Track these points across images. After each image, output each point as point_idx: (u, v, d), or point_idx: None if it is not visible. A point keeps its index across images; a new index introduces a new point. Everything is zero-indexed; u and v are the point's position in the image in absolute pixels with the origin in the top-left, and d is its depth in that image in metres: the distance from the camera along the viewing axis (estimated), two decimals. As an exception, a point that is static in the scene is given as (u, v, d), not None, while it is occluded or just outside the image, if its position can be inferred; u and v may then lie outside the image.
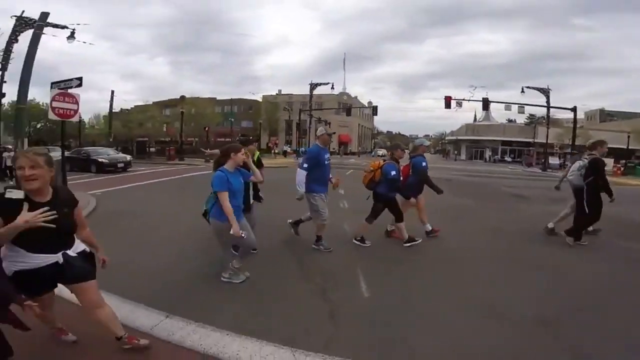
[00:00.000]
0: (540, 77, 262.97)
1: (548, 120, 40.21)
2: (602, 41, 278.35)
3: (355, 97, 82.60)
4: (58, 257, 2.43)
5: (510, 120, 67.20)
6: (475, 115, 79.17)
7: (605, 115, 65.74)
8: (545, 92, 35.22)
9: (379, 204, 6.07)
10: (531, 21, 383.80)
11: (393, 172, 5.88)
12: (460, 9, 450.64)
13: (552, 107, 35.87)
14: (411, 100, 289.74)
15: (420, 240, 6.18)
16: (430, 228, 6.70)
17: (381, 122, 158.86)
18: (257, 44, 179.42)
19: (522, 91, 35.47)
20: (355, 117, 71.94)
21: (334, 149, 60.99)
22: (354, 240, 6.17)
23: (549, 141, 39.11)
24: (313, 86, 41.83)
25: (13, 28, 17.30)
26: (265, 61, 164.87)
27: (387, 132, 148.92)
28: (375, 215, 6.11)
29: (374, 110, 45.14)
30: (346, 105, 57.38)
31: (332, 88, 40.16)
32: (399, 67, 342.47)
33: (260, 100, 72.56)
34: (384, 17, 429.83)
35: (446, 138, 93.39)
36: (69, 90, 10.37)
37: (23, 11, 17.10)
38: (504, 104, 37.76)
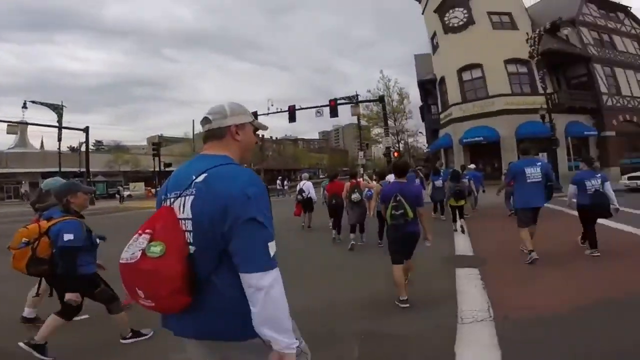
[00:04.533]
0: (130, 102, 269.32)
1: (87, 146, 29.73)
2: (183, 73, 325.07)
3: None
4: None
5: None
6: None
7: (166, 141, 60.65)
8: (57, 108, 26.65)
9: None
10: (130, 45, 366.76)
11: None
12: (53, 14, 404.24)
13: (64, 127, 27.65)
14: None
15: None
16: None
17: None
18: None
19: (25, 106, 24.26)
20: None
21: None
22: None
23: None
24: None
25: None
26: None
27: None
28: None
29: None
30: None
31: None
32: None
33: None
34: None
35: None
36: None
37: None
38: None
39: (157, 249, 1.25)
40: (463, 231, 8.35)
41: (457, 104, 24.39)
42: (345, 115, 25.85)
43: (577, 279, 4.69)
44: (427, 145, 36.77)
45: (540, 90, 20.49)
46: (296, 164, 74.84)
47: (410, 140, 42.97)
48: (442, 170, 12.03)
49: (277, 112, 26.10)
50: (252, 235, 1.25)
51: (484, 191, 12.21)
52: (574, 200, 6.02)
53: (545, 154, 18.53)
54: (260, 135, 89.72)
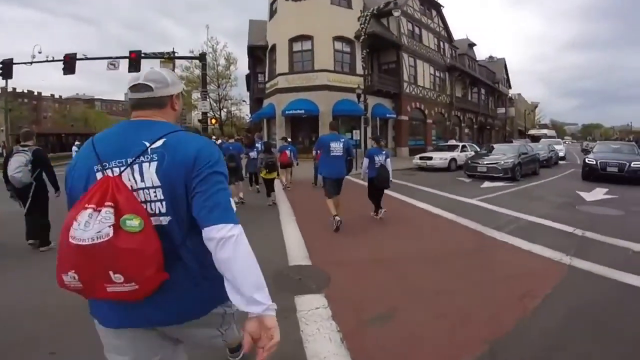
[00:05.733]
0: None
1: None
2: None
3: None
4: None
5: None
6: None
7: None
8: None
9: None
10: None
11: None
12: None
13: None
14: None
15: None
16: None
17: None
18: None
19: None
20: None
21: None
22: None
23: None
24: None
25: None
26: None
27: None
28: None
29: None
30: None
31: None
32: None
33: None
34: None
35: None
36: None
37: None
38: None
39: (134, 222, 1.08)
40: (274, 203, 8.20)
41: (284, 74, 22.84)
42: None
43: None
44: (250, 114, 34.62)
45: (358, 71, 20.66)
46: (87, 127, 60.08)
47: (233, 108, 40.25)
48: (259, 142, 11.14)
49: (47, 61, 18.69)
50: (221, 187, 1.20)
51: (297, 164, 11.43)
52: (367, 172, 6.63)
53: (358, 131, 18.80)
54: (35, 93, 70.96)
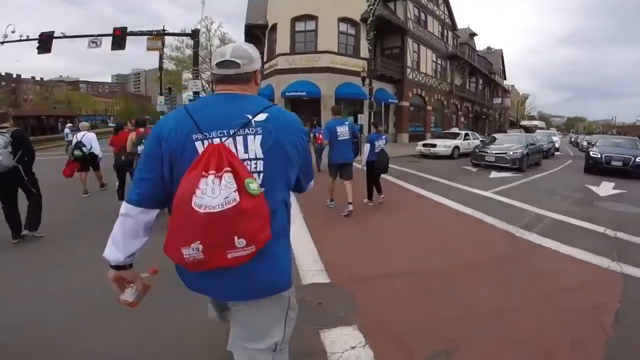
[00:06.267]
0: None
1: None
2: None
3: None
4: None
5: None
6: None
7: None
8: None
9: None
10: None
11: None
12: None
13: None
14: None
15: None
16: None
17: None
18: None
19: None
20: None
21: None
22: None
23: None
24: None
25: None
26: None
27: None
28: None
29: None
30: None
31: None
32: None
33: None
34: None
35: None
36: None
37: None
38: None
39: (255, 185, 1.09)
40: None
41: (285, 54, 21.82)
42: (151, 59, 19.70)
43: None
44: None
45: (362, 54, 19.74)
46: (71, 109, 58.71)
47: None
48: None
49: (20, 40, 17.21)
50: (310, 157, 1.43)
51: None
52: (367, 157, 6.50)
53: (362, 115, 18.14)
54: (14, 76, 69.03)
